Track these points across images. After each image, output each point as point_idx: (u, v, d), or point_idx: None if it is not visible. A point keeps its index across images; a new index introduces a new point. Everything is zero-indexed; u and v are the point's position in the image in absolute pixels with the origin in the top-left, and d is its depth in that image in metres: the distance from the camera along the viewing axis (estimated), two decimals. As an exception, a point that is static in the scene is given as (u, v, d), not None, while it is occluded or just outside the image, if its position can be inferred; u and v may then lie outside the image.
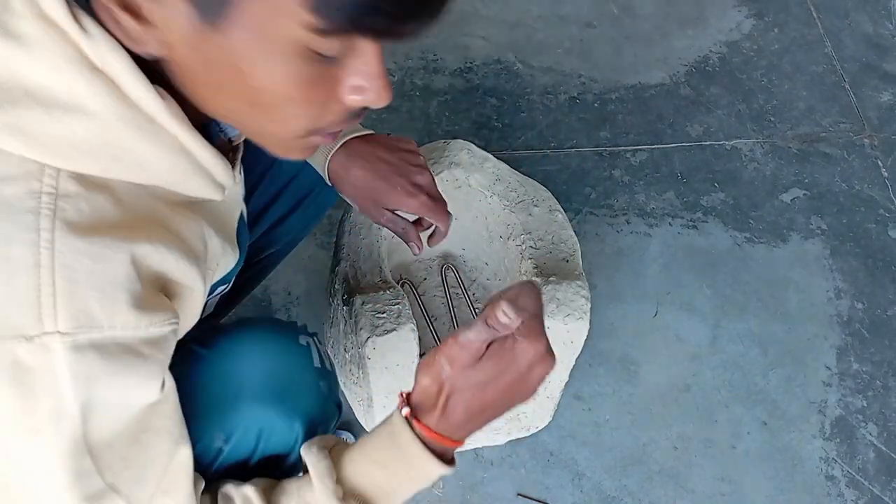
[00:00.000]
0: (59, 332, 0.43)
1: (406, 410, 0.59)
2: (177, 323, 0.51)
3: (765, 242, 1.44)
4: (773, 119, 1.63)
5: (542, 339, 0.60)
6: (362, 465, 0.60)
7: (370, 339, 0.91)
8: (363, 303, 0.94)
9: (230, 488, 0.63)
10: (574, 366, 1.02)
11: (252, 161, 0.88)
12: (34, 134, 0.43)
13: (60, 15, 0.42)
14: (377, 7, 0.41)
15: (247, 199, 0.89)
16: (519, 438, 1.13)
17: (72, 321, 0.44)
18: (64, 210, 0.44)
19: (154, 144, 0.47)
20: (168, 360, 0.52)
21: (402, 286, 1.20)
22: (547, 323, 0.94)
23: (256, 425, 0.65)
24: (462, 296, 1.21)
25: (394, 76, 1.57)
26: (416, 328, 0.93)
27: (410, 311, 0.93)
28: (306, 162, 0.87)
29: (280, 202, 0.94)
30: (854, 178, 1.55)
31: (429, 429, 0.59)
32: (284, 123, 0.49)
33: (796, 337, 1.34)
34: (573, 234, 1.04)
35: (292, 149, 0.53)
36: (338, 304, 1.02)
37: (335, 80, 0.47)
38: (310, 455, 0.61)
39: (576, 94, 1.62)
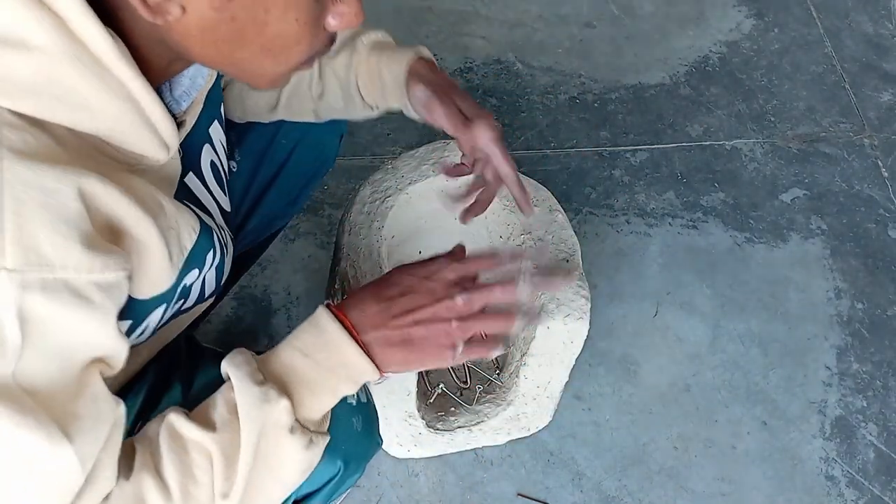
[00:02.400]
0: (6, 268, 0.41)
1: (325, 302, 0.62)
2: (129, 269, 0.48)
3: (765, 242, 1.44)
4: (773, 119, 1.63)
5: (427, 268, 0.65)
6: (283, 352, 0.60)
7: None
8: None
9: (149, 426, 0.58)
10: (574, 366, 1.02)
11: (252, 143, 0.89)
12: None
13: None
14: None
15: (250, 180, 0.90)
16: (519, 438, 1.13)
17: (21, 259, 0.41)
18: (9, 139, 0.42)
19: (100, 88, 0.45)
20: (116, 311, 0.49)
21: None
22: (547, 323, 0.95)
23: None
24: None
25: (394, 76, 1.58)
26: None
27: None
28: (302, 138, 0.89)
29: (281, 179, 0.94)
30: (854, 178, 1.55)
31: (342, 313, 0.60)
32: (287, 61, 0.51)
33: (796, 337, 1.34)
34: (573, 233, 1.04)
35: (279, 82, 0.54)
36: None
37: (324, 11, 0.50)
38: (230, 358, 0.59)
39: (576, 94, 1.62)
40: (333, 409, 0.62)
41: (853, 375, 1.31)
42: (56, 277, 0.43)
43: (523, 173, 1.09)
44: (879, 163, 1.59)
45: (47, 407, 0.45)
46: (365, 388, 0.72)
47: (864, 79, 1.72)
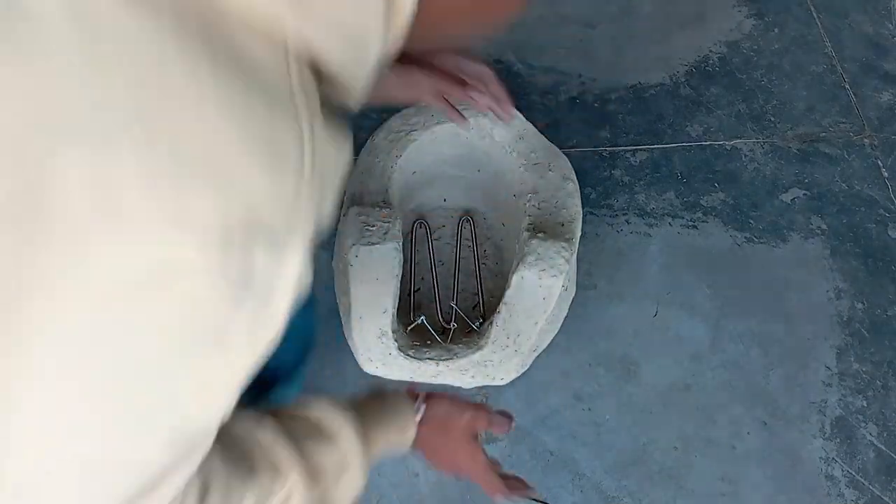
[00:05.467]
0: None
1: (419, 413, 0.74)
2: None
3: (765, 242, 1.44)
4: (773, 119, 1.63)
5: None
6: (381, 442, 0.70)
7: (354, 247, 0.97)
8: (357, 214, 1.01)
9: (245, 425, 0.58)
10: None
11: None
12: None
13: None
14: None
15: None
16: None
17: None
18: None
19: None
20: None
21: (420, 227, 1.25)
22: (522, 272, 1.00)
23: None
24: (472, 249, 1.26)
25: (394, 76, 1.58)
26: (399, 249, 0.99)
27: (399, 233, 1.00)
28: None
29: None
30: (854, 178, 1.55)
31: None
32: None
33: (796, 337, 1.34)
34: (579, 203, 1.08)
35: None
36: (342, 216, 1.08)
37: None
38: (350, 428, 0.66)
39: (576, 94, 1.62)
40: None
41: (853, 375, 1.31)
42: None
43: (523, 173, 1.10)
44: (879, 163, 1.59)
45: None
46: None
47: (864, 79, 1.72)
